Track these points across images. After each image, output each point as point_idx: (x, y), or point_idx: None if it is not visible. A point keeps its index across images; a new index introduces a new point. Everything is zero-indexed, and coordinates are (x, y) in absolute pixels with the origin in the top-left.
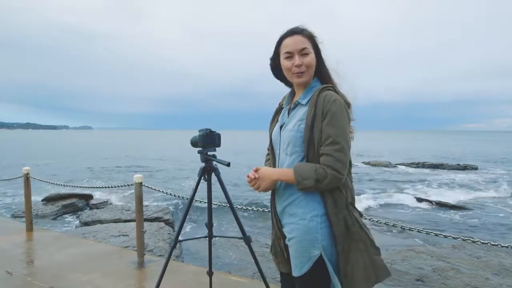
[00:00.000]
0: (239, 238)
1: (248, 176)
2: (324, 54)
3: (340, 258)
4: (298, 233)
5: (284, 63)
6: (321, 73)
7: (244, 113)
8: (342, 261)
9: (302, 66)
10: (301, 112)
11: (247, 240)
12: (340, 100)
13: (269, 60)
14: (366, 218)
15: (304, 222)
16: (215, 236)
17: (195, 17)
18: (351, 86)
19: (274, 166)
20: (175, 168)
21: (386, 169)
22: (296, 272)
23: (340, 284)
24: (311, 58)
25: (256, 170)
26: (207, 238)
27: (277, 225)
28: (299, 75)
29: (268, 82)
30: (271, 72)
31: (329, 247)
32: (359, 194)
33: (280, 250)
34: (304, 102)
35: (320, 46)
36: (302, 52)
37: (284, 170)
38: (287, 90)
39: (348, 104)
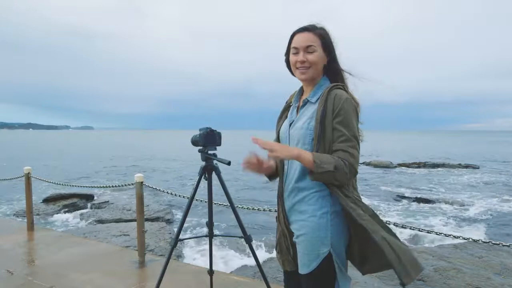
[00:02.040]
0: (239, 237)
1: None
2: (337, 53)
3: (354, 246)
4: (308, 230)
5: (291, 58)
6: (331, 72)
7: (244, 113)
8: (355, 249)
9: (305, 62)
10: (311, 110)
11: (247, 239)
12: (350, 99)
13: (284, 56)
14: None
15: (314, 219)
16: (216, 235)
17: (195, 17)
18: (364, 88)
19: (282, 164)
20: (176, 168)
21: (387, 169)
22: (303, 270)
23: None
24: (316, 56)
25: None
26: (208, 237)
27: (285, 223)
28: (302, 71)
29: (268, 82)
30: (285, 68)
31: (338, 244)
32: (360, 194)
33: (286, 248)
34: (313, 100)
35: (334, 45)
36: (308, 50)
37: (304, 151)
38: (288, 90)
39: (356, 104)
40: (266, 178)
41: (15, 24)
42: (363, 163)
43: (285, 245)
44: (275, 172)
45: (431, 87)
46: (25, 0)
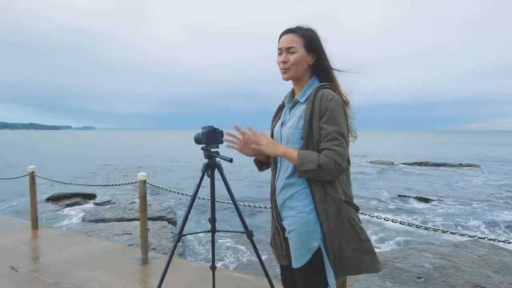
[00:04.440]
0: (241, 233)
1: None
2: (327, 53)
3: (330, 252)
4: (298, 225)
5: (276, 58)
6: (320, 72)
7: (244, 113)
8: (331, 256)
9: (287, 63)
10: (300, 110)
11: (249, 234)
12: (337, 98)
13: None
14: (365, 214)
15: (303, 215)
16: (218, 231)
17: (196, 18)
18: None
19: (275, 162)
20: (178, 167)
21: (389, 168)
22: (296, 264)
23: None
24: (296, 56)
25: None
26: (210, 233)
27: (277, 219)
28: (283, 71)
29: (268, 82)
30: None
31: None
32: (360, 194)
33: (279, 243)
34: (302, 100)
35: (321, 45)
36: (289, 51)
37: (290, 149)
38: (287, 90)
39: (345, 102)
40: (256, 167)
41: (16, 24)
42: (364, 162)
43: (279, 240)
44: (266, 161)
45: (432, 87)
46: (26, 0)
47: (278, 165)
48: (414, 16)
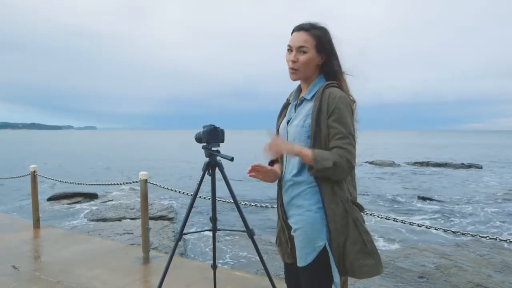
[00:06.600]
0: (242, 232)
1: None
2: (337, 53)
3: (334, 252)
4: (304, 224)
5: (286, 55)
6: (328, 71)
7: (244, 113)
8: (336, 255)
9: (296, 62)
10: (307, 108)
11: (250, 233)
12: (345, 97)
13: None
14: (367, 213)
15: (310, 214)
16: (219, 230)
17: (196, 18)
18: (361, 85)
19: (282, 159)
20: (179, 166)
21: (390, 168)
22: (301, 262)
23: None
24: (306, 57)
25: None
26: (211, 232)
27: (283, 217)
28: (292, 71)
29: (269, 82)
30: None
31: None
32: (362, 193)
33: (285, 241)
34: (309, 97)
35: (332, 45)
36: (300, 50)
37: (304, 147)
38: (288, 90)
39: (352, 102)
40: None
41: (16, 24)
42: (365, 162)
43: (284, 238)
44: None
45: (432, 87)
46: (29, 1)
47: (285, 163)
48: (414, 16)
